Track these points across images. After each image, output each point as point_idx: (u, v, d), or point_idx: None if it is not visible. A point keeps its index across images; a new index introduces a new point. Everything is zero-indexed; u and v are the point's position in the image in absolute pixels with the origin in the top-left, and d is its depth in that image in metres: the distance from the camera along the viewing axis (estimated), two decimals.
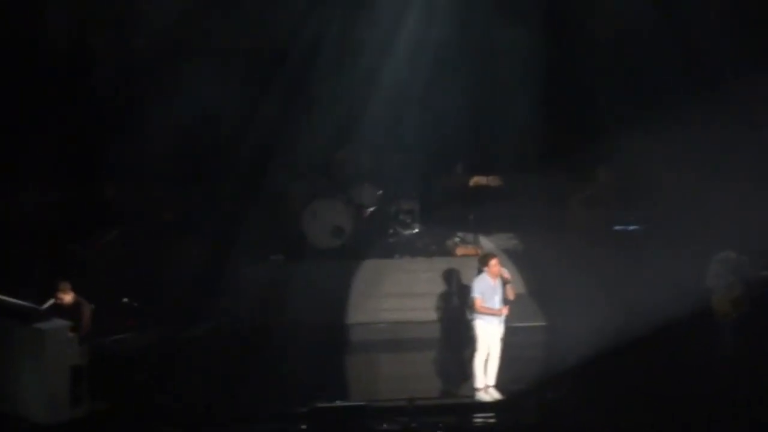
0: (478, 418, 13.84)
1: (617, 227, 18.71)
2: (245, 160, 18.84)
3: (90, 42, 19.23)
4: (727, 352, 14.54)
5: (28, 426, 12.94)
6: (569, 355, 14.74)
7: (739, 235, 14.85)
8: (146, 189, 18.56)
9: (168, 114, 18.00)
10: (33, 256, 16.78)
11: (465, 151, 19.69)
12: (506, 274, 14.31)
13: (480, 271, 14.29)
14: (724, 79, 17.75)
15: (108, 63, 18.84)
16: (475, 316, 14.18)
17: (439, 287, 17.15)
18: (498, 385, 14.28)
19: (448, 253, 18.34)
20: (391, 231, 18.91)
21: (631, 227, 18.68)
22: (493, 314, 14.08)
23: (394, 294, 17.42)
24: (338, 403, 13.69)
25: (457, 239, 18.63)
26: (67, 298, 13.77)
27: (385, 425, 13.36)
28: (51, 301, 13.68)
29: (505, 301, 14.21)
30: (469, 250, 18.12)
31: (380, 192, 19.48)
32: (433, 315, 16.98)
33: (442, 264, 17.59)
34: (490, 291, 14.10)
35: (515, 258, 17.58)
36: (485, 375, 14.24)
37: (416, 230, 18.90)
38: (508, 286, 14.23)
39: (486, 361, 14.21)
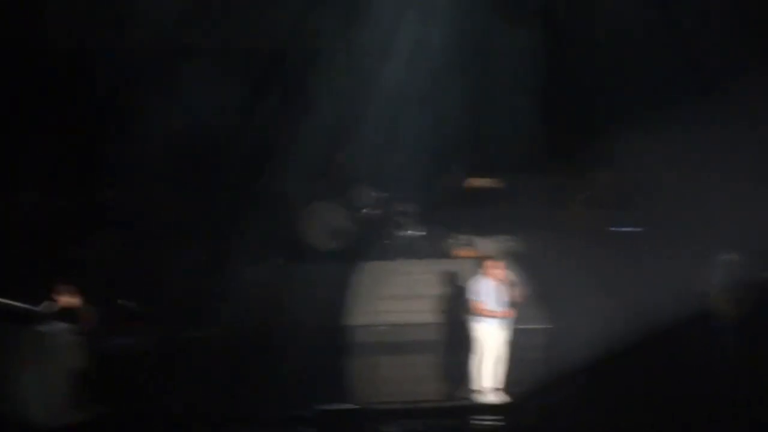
0: (478, 420, 13.84)
1: (617, 228, 18.72)
2: (245, 162, 18.85)
3: (88, 44, 19.20)
4: (728, 353, 14.54)
5: (30, 429, 12.94)
6: (570, 357, 14.72)
7: (739, 236, 14.86)
8: (146, 191, 18.54)
9: (167, 116, 18.00)
10: (33, 258, 16.76)
11: (464, 152, 19.69)
12: (511, 276, 14.31)
13: (480, 273, 14.28)
14: (724, 79, 17.74)
15: (106, 65, 18.79)
16: (474, 318, 14.18)
17: (438, 289, 17.15)
18: (501, 387, 14.29)
19: (448, 255, 18.35)
20: (390, 233, 18.92)
21: (631, 228, 18.69)
22: (492, 316, 14.08)
23: (393, 296, 17.41)
24: (338, 405, 13.70)
25: (456, 241, 18.63)
26: (69, 300, 13.76)
27: (384, 428, 13.36)
28: (53, 304, 13.69)
29: (512, 303, 14.19)
30: (468, 252, 18.13)
31: (379, 194, 19.49)
32: (432, 317, 16.98)
33: (441, 266, 17.58)
34: (489, 293, 14.08)
35: (515, 260, 17.55)
36: (491, 377, 14.23)
37: (415, 232, 18.90)
38: (516, 289, 14.22)
39: (493, 363, 14.20)
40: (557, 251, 17.68)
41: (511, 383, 14.35)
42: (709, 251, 14.97)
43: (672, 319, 14.62)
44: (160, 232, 18.14)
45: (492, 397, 14.16)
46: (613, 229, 18.68)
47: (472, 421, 13.72)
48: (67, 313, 13.61)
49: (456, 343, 15.57)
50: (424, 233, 18.98)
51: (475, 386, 14.24)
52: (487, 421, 13.74)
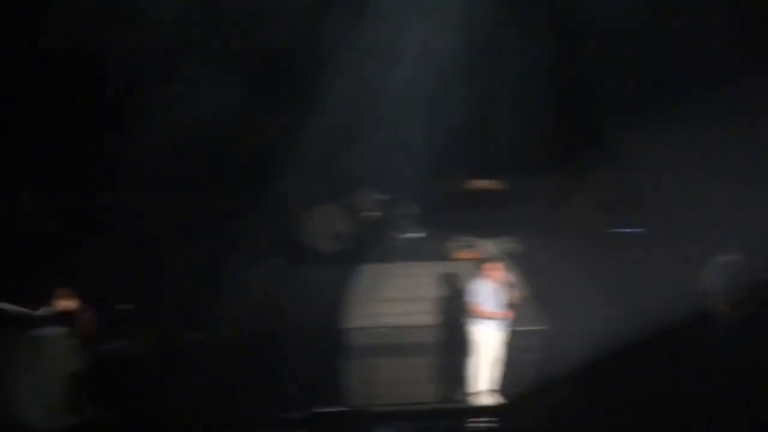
0: (477, 423, 13.84)
1: (617, 229, 18.69)
2: (244, 164, 18.85)
3: (89, 44, 19.21)
4: (728, 354, 14.51)
5: None
6: (569, 358, 14.71)
7: (739, 236, 14.83)
8: (146, 192, 18.55)
9: (168, 117, 18.00)
10: (31, 261, 16.77)
11: (465, 154, 19.66)
12: (510, 278, 14.30)
13: (479, 275, 14.27)
14: (724, 79, 17.71)
15: (106, 66, 18.81)
16: (474, 320, 14.18)
17: (439, 291, 17.10)
18: (499, 389, 14.27)
19: (448, 257, 18.31)
20: (390, 235, 18.90)
21: (631, 229, 18.65)
22: (491, 318, 14.07)
23: (393, 298, 17.34)
24: (332, 407, 13.70)
25: (456, 243, 18.61)
26: (66, 304, 13.76)
27: (380, 429, 13.37)
28: (50, 308, 13.70)
29: (509, 305, 14.19)
30: (468, 254, 18.09)
31: (380, 196, 19.47)
32: (432, 319, 16.94)
33: (441, 268, 17.50)
34: (488, 295, 14.10)
35: (515, 261, 17.53)
36: (489, 379, 14.23)
37: (416, 234, 18.88)
38: (514, 290, 14.21)
39: (490, 365, 14.20)
40: (557, 253, 17.66)
41: (510, 385, 14.34)
42: (709, 252, 14.93)
43: (671, 320, 14.59)
44: (160, 234, 18.17)
45: (489, 399, 14.15)
46: (613, 230, 18.64)
47: (468, 424, 13.74)
48: (64, 317, 13.63)
49: (455, 346, 15.57)
50: (424, 235, 18.95)
51: (472, 388, 14.22)
52: (485, 423, 13.76)
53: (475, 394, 14.17)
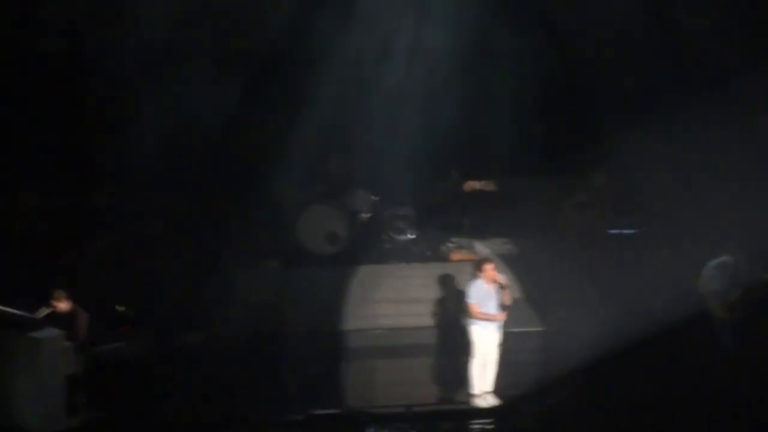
0: (475, 424, 13.82)
1: (613, 231, 18.70)
2: (240, 166, 18.83)
3: (85, 45, 19.16)
4: (726, 355, 14.52)
5: None
6: (566, 360, 14.70)
7: (738, 236, 14.84)
8: (140, 195, 18.51)
9: (164, 119, 17.99)
10: (26, 263, 16.73)
11: (460, 155, 19.66)
12: (502, 279, 14.28)
13: (475, 277, 14.24)
14: (723, 79, 17.72)
15: (103, 67, 18.76)
16: (471, 321, 14.15)
17: (435, 293, 17.05)
18: (495, 391, 14.23)
19: (444, 258, 18.27)
20: (386, 237, 18.88)
21: (627, 231, 18.67)
22: (488, 319, 14.04)
23: (389, 300, 17.33)
24: (330, 409, 13.69)
25: (452, 245, 18.61)
26: (63, 306, 13.69)
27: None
28: (46, 310, 13.65)
29: (502, 306, 14.18)
30: (464, 255, 18.09)
31: (375, 198, 19.45)
32: (428, 321, 16.87)
33: (437, 269, 17.47)
34: (485, 296, 14.04)
35: (511, 263, 17.55)
36: (483, 381, 14.21)
37: (411, 236, 18.86)
38: (505, 291, 14.20)
39: (484, 367, 14.18)
40: (553, 254, 17.68)
41: (508, 386, 14.31)
42: (707, 252, 14.93)
43: (670, 320, 14.59)
44: (156, 236, 18.14)
45: (485, 401, 14.13)
46: (611, 231, 18.65)
47: (466, 425, 13.72)
48: (62, 319, 13.59)
49: (452, 347, 15.54)
50: (420, 236, 18.95)
51: (470, 390, 14.21)
52: (483, 424, 13.74)
53: (473, 395, 14.14)
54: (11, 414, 12.96)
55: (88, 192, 18.84)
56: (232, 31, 19.27)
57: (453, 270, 17.23)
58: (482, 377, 14.16)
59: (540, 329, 16.71)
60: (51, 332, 13.20)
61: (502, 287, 14.11)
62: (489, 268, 14.14)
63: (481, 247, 18.41)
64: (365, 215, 19.38)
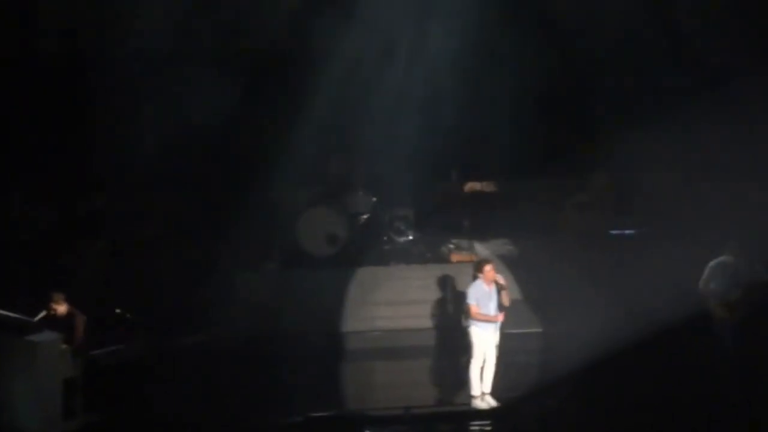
0: (475, 426, 13.79)
1: (613, 231, 18.66)
2: (239, 168, 18.80)
3: (79, 48, 19.13)
4: (726, 355, 14.47)
5: None
6: (566, 361, 14.68)
7: (736, 237, 14.79)
8: (137, 198, 18.49)
9: (160, 121, 17.96)
10: (24, 267, 16.72)
11: (460, 157, 19.61)
12: (501, 280, 14.24)
13: (475, 278, 14.21)
14: (724, 79, 17.68)
15: (97, 70, 18.73)
16: (471, 322, 14.11)
17: (435, 294, 17.03)
18: (494, 392, 14.19)
19: (443, 259, 18.22)
20: (385, 238, 18.84)
21: (628, 231, 18.63)
22: (488, 321, 14.01)
23: (389, 301, 17.32)
24: (328, 411, 13.67)
25: (452, 246, 18.56)
26: (61, 309, 13.68)
27: None
28: (44, 313, 13.63)
29: (501, 307, 14.15)
30: (464, 256, 18.04)
31: (375, 199, 19.39)
32: (428, 322, 16.86)
33: (437, 271, 17.44)
34: (485, 297, 14.01)
35: (511, 264, 17.51)
36: (481, 382, 14.18)
37: (411, 237, 18.81)
38: (504, 293, 14.16)
39: (482, 368, 14.15)
40: (553, 255, 17.64)
41: (507, 388, 14.28)
42: (707, 252, 14.88)
43: (670, 321, 14.55)
44: (155, 237, 18.12)
45: (485, 402, 14.11)
46: (612, 232, 18.61)
47: (465, 427, 13.69)
48: (60, 322, 13.57)
49: (452, 348, 15.54)
50: (420, 238, 18.90)
51: (469, 391, 14.18)
52: (481, 426, 13.71)
53: (473, 397, 14.10)
54: (9, 417, 12.92)
55: (87, 193, 18.81)
56: (232, 31, 19.21)
57: (453, 271, 17.21)
58: (481, 378, 14.13)
59: (540, 330, 16.69)
60: (48, 336, 13.20)
61: (501, 288, 14.08)
62: (488, 269, 14.12)
63: (481, 248, 18.36)
64: (365, 217, 19.32)
